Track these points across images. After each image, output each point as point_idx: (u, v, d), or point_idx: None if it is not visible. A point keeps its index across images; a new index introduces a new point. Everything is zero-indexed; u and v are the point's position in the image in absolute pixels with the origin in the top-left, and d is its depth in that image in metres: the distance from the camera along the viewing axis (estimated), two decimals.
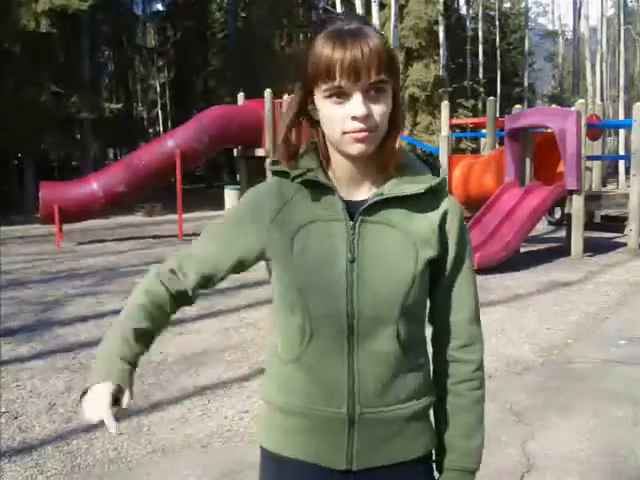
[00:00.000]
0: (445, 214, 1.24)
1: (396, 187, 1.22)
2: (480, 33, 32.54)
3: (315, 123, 1.23)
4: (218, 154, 17.10)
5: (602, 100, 26.51)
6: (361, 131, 1.14)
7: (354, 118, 1.13)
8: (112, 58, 31.11)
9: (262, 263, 1.33)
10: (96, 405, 1.19)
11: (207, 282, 1.34)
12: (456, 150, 20.58)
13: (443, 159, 11.86)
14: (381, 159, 1.22)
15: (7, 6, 17.12)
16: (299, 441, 1.25)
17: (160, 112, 35.88)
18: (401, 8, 23.65)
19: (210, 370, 4.74)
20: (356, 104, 1.13)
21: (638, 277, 8.12)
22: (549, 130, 10.06)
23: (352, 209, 1.22)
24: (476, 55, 32.42)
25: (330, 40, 1.12)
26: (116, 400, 1.21)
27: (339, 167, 1.24)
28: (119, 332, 1.27)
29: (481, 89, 30.09)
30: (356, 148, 1.16)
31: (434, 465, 1.33)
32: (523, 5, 39.83)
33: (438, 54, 27.17)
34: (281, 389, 1.27)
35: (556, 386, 4.39)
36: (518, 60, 37.87)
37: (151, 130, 34.51)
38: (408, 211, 1.23)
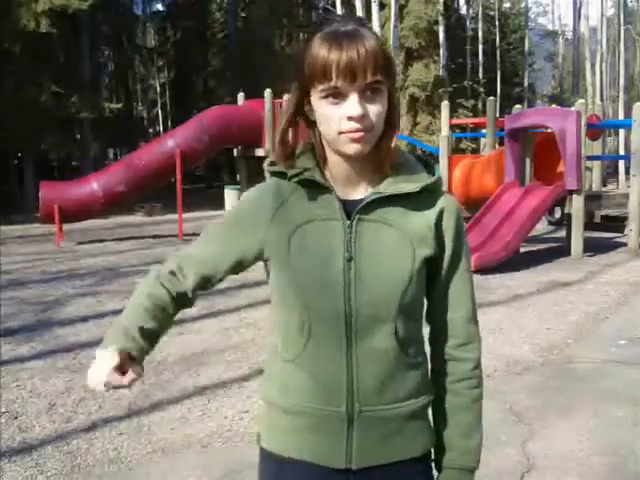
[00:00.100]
0: (441, 212, 1.25)
1: (392, 186, 1.23)
2: (480, 33, 32.54)
3: (312, 123, 1.24)
4: (218, 154, 17.11)
5: (602, 100, 26.54)
6: (357, 131, 1.15)
7: (350, 118, 1.14)
8: (112, 58, 31.14)
9: (261, 263, 1.33)
10: (99, 370, 1.19)
11: (206, 283, 1.34)
12: (456, 150, 20.57)
13: (443, 159, 11.85)
14: (377, 159, 1.23)
15: (7, 6, 17.13)
16: (299, 441, 1.26)
17: (160, 112, 35.90)
18: (401, 8, 23.66)
19: (210, 370, 4.74)
20: (352, 104, 1.14)
21: (638, 277, 8.12)
22: (549, 130, 10.06)
23: (349, 208, 1.23)
24: (476, 55, 32.43)
25: (326, 41, 1.13)
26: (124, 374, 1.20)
27: (335, 167, 1.24)
28: (120, 330, 1.26)
29: (481, 89, 30.09)
30: (352, 148, 1.17)
31: (433, 464, 1.34)
32: (523, 5, 39.85)
33: (438, 54, 27.17)
34: (281, 389, 1.28)
35: (556, 386, 4.39)
36: (518, 60, 37.87)
37: (151, 130, 34.53)
38: (405, 209, 1.23)
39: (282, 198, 1.27)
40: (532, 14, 53.25)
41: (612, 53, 37.96)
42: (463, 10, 34.87)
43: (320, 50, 1.13)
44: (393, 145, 1.22)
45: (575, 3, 36.48)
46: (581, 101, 10.21)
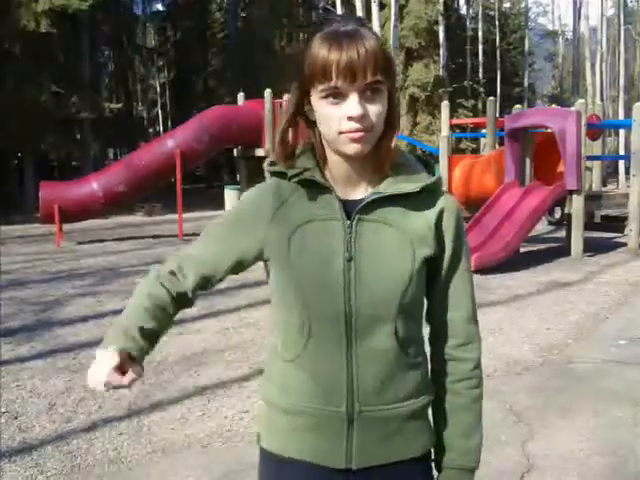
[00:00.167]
0: (441, 212, 1.25)
1: (392, 186, 1.23)
2: (480, 33, 32.54)
3: (311, 123, 1.23)
4: (218, 154, 17.10)
5: (602, 100, 26.54)
6: (357, 131, 1.15)
7: (350, 118, 1.14)
8: (112, 58, 31.14)
9: (260, 263, 1.33)
10: (99, 370, 1.18)
11: (206, 283, 1.34)
12: (456, 150, 20.58)
13: (443, 159, 11.85)
14: (377, 159, 1.23)
15: (7, 6, 17.13)
16: (299, 441, 1.26)
17: (160, 112, 35.90)
18: (401, 8, 23.66)
19: (210, 370, 4.74)
20: (352, 104, 1.14)
21: (638, 277, 8.12)
22: (549, 130, 10.06)
23: (349, 208, 1.23)
24: (476, 55, 32.42)
25: (326, 41, 1.13)
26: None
27: (335, 167, 1.24)
28: (120, 330, 1.25)
29: (481, 89, 30.09)
30: (352, 148, 1.17)
31: (433, 464, 1.34)
32: (523, 5, 39.85)
33: (438, 54, 27.17)
34: (281, 389, 1.28)
35: (556, 386, 4.39)
36: (518, 60, 37.87)
37: (151, 130, 34.53)
38: (404, 209, 1.23)
39: (282, 198, 1.26)
40: (532, 14, 53.32)
41: (612, 53, 37.96)
42: (463, 10, 34.87)
43: (320, 50, 1.13)
44: (393, 145, 1.22)
45: (575, 3, 36.49)
46: (581, 101, 10.21)
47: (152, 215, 17.58)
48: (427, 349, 1.33)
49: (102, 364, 1.18)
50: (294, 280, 1.22)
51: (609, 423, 3.75)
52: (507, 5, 39.34)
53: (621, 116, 29.08)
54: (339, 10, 20.30)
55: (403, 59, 25.57)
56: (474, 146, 24.97)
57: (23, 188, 19.58)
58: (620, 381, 4.46)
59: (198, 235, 1.38)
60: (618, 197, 12.67)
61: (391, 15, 18.79)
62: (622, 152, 26.62)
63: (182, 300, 1.34)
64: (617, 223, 11.26)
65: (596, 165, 11.80)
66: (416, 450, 1.28)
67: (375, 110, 1.15)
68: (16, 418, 3.89)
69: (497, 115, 12.71)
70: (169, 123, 32.32)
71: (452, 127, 13.84)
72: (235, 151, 14.63)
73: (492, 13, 35.25)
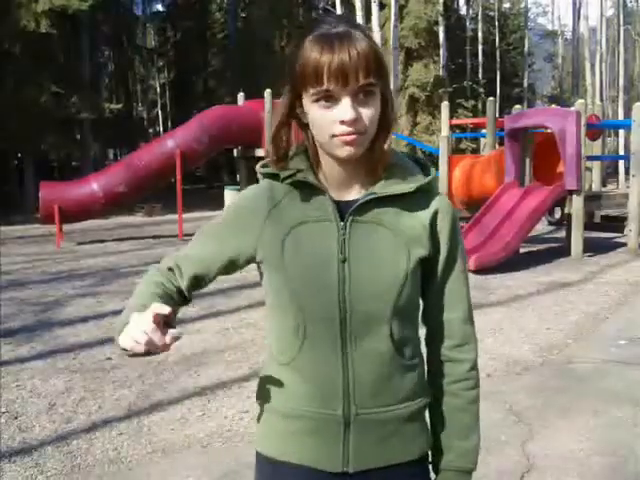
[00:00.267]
0: (436, 213, 1.24)
1: (386, 187, 1.22)
2: (480, 33, 32.54)
3: (304, 125, 1.23)
4: (218, 154, 17.09)
5: (602, 100, 26.55)
6: (350, 134, 1.14)
7: (343, 122, 1.13)
8: (112, 58, 31.14)
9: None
10: (139, 326, 1.08)
11: (200, 282, 1.33)
12: (456, 150, 20.59)
13: (443, 159, 11.85)
14: (370, 161, 1.22)
15: (7, 6, 17.13)
16: (295, 444, 1.25)
17: (160, 112, 35.91)
18: (401, 8, 23.65)
19: (210, 370, 4.74)
20: (345, 108, 1.13)
21: (638, 277, 8.12)
22: (549, 130, 10.06)
23: (343, 209, 1.22)
24: (476, 55, 32.42)
25: (318, 44, 1.12)
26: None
27: (329, 169, 1.24)
28: (136, 309, 1.16)
29: (481, 89, 30.07)
30: (345, 151, 1.16)
31: (430, 466, 1.33)
32: (523, 5, 39.82)
33: (438, 54, 27.17)
34: (277, 392, 1.27)
35: (556, 386, 4.39)
36: (518, 60, 37.86)
37: (151, 130, 34.53)
38: (399, 210, 1.23)
39: (275, 200, 1.26)
40: (532, 14, 53.33)
41: (612, 53, 37.95)
42: (463, 10, 34.88)
43: (312, 53, 1.12)
44: (387, 147, 1.21)
45: (575, 3, 36.48)
46: (581, 101, 10.21)
47: (152, 215, 17.58)
48: (424, 351, 1.33)
49: (142, 321, 1.08)
50: (288, 282, 1.21)
51: (609, 423, 3.75)
52: (507, 5, 39.35)
53: (621, 116, 29.08)
54: (339, 10, 20.30)
55: (403, 59, 25.55)
56: (474, 146, 24.98)
57: (23, 188, 19.58)
58: (620, 381, 4.46)
59: None
60: (618, 197, 12.67)
61: (391, 15, 18.78)
62: (622, 152, 26.61)
63: (181, 296, 1.33)
64: (617, 223, 11.26)
65: (596, 165, 11.80)
66: (413, 453, 1.27)
67: (368, 113, 1.14)
68: (16, 418, 3.89)
69: (497, 115, 12.71)
70: (169, 123, 32.32)
71: (452, 127, 13.85)
72: (235, 151, 14.62)
73: (492, 13, 35.25)
